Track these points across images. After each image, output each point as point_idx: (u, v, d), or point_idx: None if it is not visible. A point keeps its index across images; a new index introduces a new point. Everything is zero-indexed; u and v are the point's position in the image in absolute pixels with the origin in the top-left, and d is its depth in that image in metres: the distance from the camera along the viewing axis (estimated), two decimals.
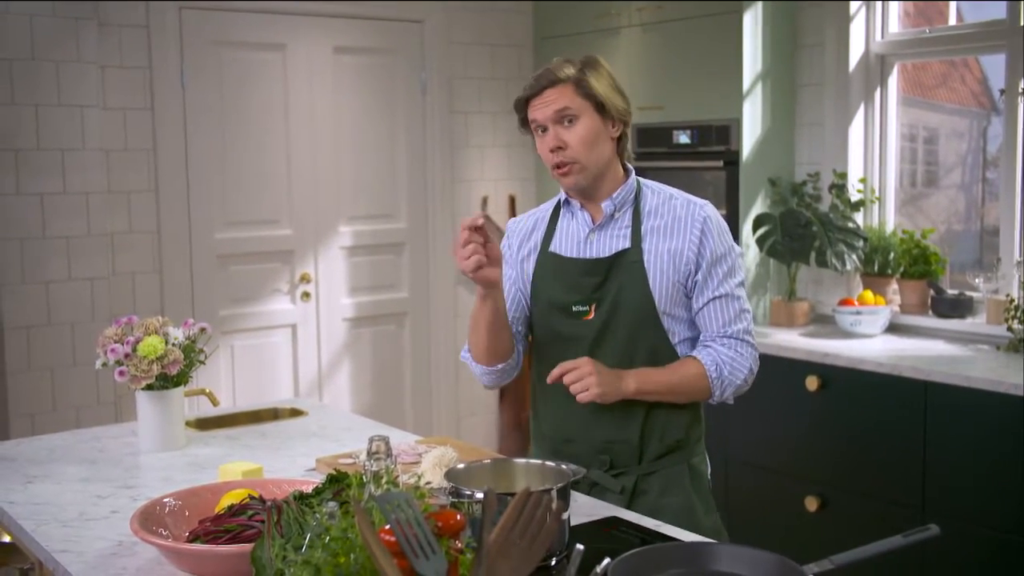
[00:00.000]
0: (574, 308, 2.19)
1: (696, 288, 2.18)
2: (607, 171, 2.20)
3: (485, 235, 2.02)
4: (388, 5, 4.81)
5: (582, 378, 2.07)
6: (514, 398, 5.11)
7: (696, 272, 2.17)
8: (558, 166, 2.16)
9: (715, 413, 3.85)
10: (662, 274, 2.16)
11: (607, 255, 2.19)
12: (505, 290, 2.29)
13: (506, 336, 2.22)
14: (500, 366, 2.26)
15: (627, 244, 2.18)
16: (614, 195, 2.20)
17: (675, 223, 2.19)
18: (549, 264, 2.24)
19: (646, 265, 2.16)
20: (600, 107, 2.15)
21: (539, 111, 2.16)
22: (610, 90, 2.17)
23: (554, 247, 2.26)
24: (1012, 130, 3.79)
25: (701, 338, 2.21)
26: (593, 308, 2.17)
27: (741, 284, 2.21)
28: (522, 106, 2.20)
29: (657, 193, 2.24)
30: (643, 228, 2.19)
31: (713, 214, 2.21)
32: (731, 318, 2.18)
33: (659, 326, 2.17)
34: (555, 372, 2.10)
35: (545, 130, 2.17)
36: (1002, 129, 3.87)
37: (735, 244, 2.24)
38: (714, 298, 2.18)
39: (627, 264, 2.17)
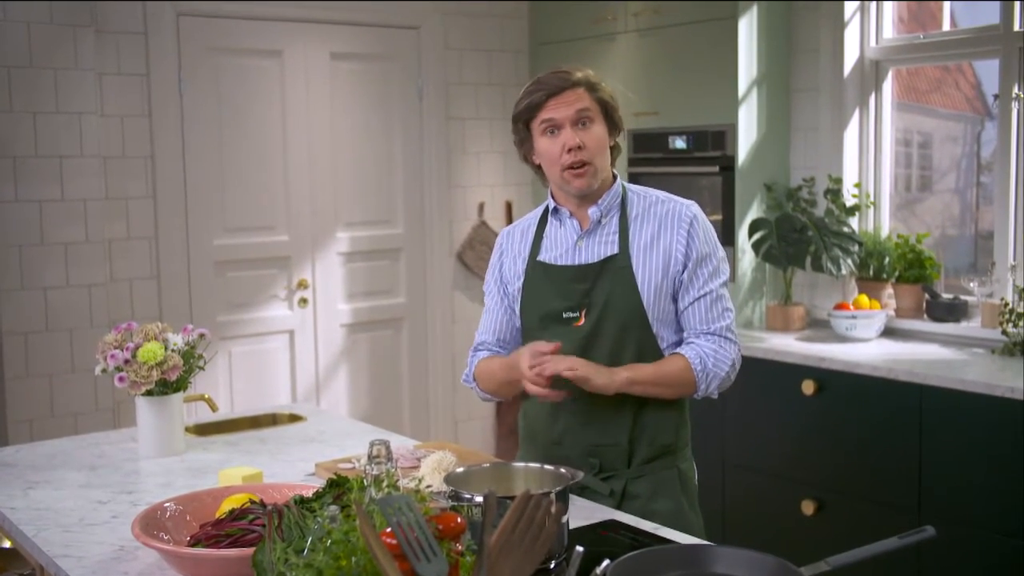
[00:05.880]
0: (564, 315, 2.20)
1: (682, 287, 2.20)
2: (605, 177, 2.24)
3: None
4: (384, 11, 4.82)
5: (573, 366, 2.07)
6: (510, 403, 5.11)
7: (683, 271, 2.19)
8: (573, 166, 2.17)
9: (711, 416, 3.87)
10: (651, 278, 2.18)
11: (596, 260, 2.21)
12: (496, 309, 2.33)
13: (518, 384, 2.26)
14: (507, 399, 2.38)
15: (615, 250, 2.20)
16: (600, 201, 2.22)
17: (661, 225, 2.21)
18: (539, 273, 2.26)
19: (634, 270, 2.18)
20: (607, 115, 2.20)
21: (559, 110, 2.16)
22: (613, 100, 2.23)
23: (543, 256, 2.27)
24: (1006, 135, 3.81)
25: (684, 336, 2.23)
26: (583, 314, 2.19)
27: (724, 284, 2.24)
28: (536, 107, 2.18)
29: (643, 198, 2.26)
30: (630, 233, 2.21)
31: (699, 214, 2.24)
32: (715, 316, 2.20)
33: (648, 330, 2.18)
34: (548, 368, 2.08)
35: (557, 130, 2.17)
36: (996, 134, 3.89)
37: (719, 245, 2.27)
38: (699, 297, 2.20)
39: (616, 269, 2.18)
